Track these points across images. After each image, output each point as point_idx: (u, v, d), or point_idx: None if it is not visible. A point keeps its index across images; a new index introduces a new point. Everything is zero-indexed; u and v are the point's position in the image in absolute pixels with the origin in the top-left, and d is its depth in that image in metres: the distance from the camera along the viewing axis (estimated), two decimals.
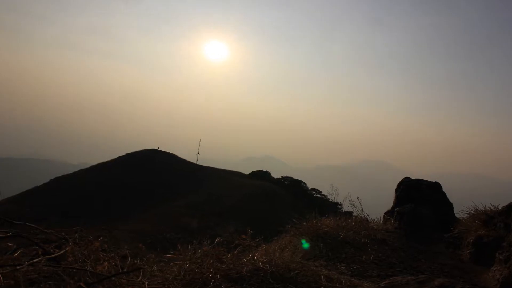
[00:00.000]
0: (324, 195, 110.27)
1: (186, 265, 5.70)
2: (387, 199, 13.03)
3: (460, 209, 11.11)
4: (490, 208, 9.85)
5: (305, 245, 9.06)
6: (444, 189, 12.58)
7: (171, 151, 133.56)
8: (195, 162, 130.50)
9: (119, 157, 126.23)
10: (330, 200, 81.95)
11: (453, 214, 11.84)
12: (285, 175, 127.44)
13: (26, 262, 4.68)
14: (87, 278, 4.71)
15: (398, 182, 12.98)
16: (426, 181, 12.80)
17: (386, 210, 12.40)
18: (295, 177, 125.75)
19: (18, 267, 4.55)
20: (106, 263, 5.25)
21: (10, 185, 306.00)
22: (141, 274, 5.23)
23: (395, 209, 11.68)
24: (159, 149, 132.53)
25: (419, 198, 11.97)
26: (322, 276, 6.08)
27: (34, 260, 4.77)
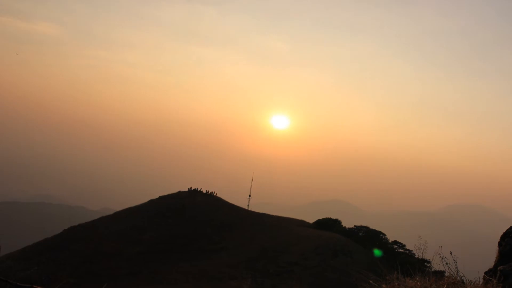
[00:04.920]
0: (408, 249, 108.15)
1: None
2: (488, 255, 12.76)
3: None
4: None
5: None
6: None
7: (215, 193, 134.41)
8: (246, 207, 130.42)
9: (150, 201, 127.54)
10: (417, 256, 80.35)
11: None
12: (358, 224, 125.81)
13: None
14: None
15: (501, 234, 12.68)
16: None
17: (486, 269, 12.18)
18: (371, 226, 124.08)
19: None
20: None
21: (15, 237, 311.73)
22: None
23: (498, 268, 11.46)
24: (202, 190, 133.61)
25: None
26: None
27: None
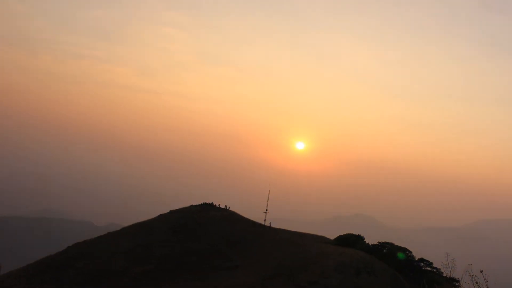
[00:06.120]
0: (436, 267, 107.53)
1: None
2: None
3: None
4: None
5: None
6: None
7: (229, 207, 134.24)
8: (262, 222, 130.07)
9: (161, 215, 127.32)
10: (445, 275, 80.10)
11: None
12: (383, 240, 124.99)
13: None
14: None
15: None
16: None
17: None
18: (396, 242, 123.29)
19: None
20: None
21: (16, 253, 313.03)
22: None
23: None
24: (216, 205, 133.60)
25: None
26: None
27: None
